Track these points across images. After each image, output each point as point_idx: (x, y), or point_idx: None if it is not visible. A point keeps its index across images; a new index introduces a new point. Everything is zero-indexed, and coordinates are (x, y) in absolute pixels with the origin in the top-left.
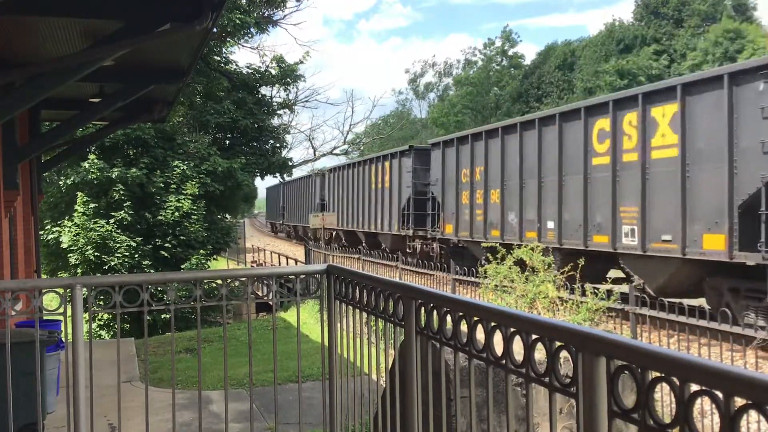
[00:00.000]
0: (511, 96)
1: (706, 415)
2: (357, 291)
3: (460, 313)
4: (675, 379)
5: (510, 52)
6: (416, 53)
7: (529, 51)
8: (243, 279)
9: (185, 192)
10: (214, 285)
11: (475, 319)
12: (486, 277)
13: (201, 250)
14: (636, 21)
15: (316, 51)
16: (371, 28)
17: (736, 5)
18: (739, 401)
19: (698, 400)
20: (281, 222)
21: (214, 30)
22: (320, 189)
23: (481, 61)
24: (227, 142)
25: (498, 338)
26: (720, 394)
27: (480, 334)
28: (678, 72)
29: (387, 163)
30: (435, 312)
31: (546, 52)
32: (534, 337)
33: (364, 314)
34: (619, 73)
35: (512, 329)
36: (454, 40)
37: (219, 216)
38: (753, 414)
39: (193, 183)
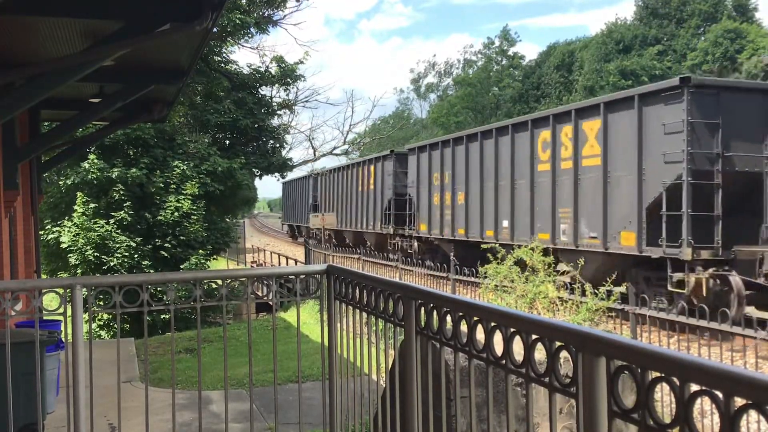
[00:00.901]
0: (511, 96)
1: (706, 415)
2: (357, 291)
3: (460, 313)
4: (675, 379)
5: (510, 52)
6: (417, 53)
7: (530, 51)
8: (243, 279)
9: (185, 192)
10: (214, 285)
11: (475, 319)
12: (486, 277)
13: (201, 250)
14: (637, 21)
15: (316, 51)
16: (372, 28)
17: (737, 5)
18: (739, 401)
19: (698, 400)
20: (311, 225)
21: (214, 30)
22: (393, 178)
23: (481, 61)
24: (227, 142)
25: (498, 338)
26: (720, 394)
27: (480, 334)
28: (678, 72)
29: (592, 123)
30: (435, 312)
31: (548, 52)
32: (534, 337)
33: (364, 314)
34: (622, 73)
35: (512, 329)
36: (455, 41)
37: (218, 217)
38: (753, 414)
39: (193, 183)
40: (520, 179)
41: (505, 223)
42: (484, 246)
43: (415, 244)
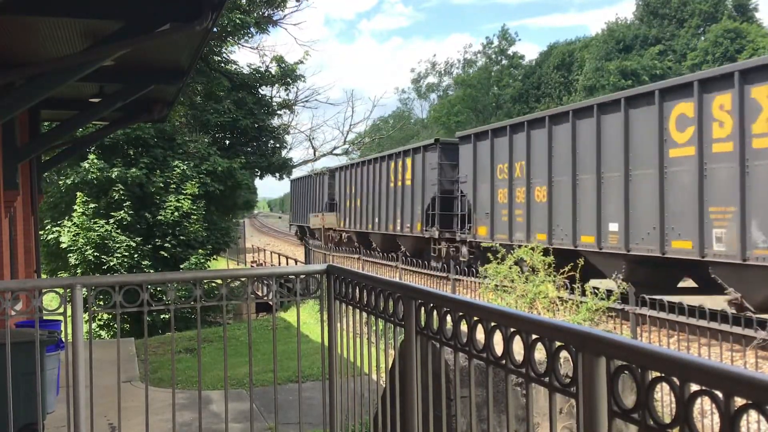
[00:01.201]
0: (511, 96)
1: (706, 415)
2: (357, 291)
3: (460, 313)
4: (675, 379)
5: (509, 52)
6: (417, 53)
7: (530, 51)
8: (243, 279)
9: (185, 192)
10: (214, 285)
11: (475, 319)
12: (486, 277)
13: (200, 250)
14: (638, 20)
15: (316, 51)
16: (373, 28)
17: (737, 5)
18: (739, 401)
19: (698, 400)
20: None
21: (214, 30)
22: (438, 172)
23: (482, 60)
24: (227, 142)
25: (498, 338)
26: (720, 394)
27: (480, 334)
28: (678, 72)
29: None
30: (435, 312)
31: (548, 51)
32: (534, 337)
33: (364, 314)
34: (622, 73)
35: (512, 329)
36: (455, 40)
37: (218, 217)
38: (753, 414)
39: (193, 183)
40: (638, 169)
41: (614, 227)
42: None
43: (465, 250)
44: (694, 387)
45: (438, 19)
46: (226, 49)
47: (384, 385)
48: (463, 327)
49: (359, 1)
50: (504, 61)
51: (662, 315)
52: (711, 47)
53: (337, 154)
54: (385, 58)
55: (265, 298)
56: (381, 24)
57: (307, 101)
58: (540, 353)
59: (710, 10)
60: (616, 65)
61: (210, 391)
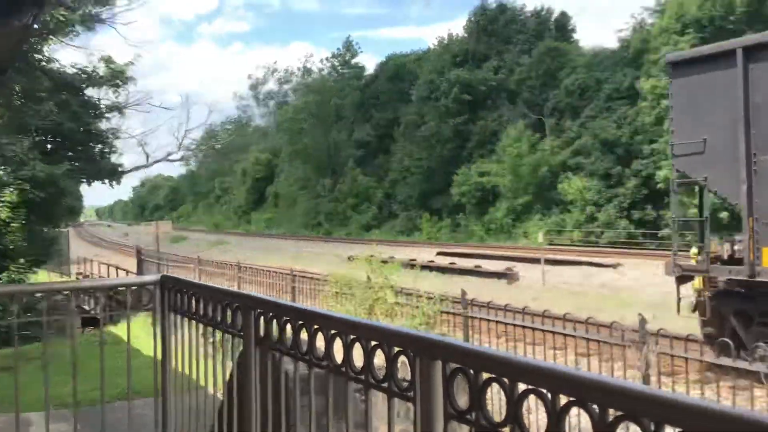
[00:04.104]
0: (352, 106)
1: (533, 412)
2: (193, 301)
3: (300, 322)
4: (506, 380)
5: (352, 62)
6: (259, 59)
7: (371, 62)
8: (66, 293)
9: (3, 199)
10: (35, 299)
11: (315, 327)
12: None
13: (20, 260)
14: (467, 36)
15: (149, 52)
16: (213, 32)
17: (558, 26)
18: (564, 398)
19: (528, 398)
20: None
21: (35, 26)
22: None
23: (326, 68)
24: (49, 146)
25: (338, 345)
26: (547, 392)
27: (320, 342)
28: (506, 86)
29: None
30: (275, 321)
31: (386, 63)
32: (373, 343)
33: (201, 326)
34: (462, 85)
35: (352, 336)
36: (297, 48)
37: (40, 227)
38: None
39: (12, 191)
40: None
41: None
42: None
43: None
44: (524, 386)
45: (280, 26)
46: (48, 47)
47: (222, 399)
48: (304, 335)
49: (199, 3)
50: (347, 71)
51: (491, 317)
52: (536, 64)
53: (171, 161)
54: (227, 62)
55: (93, 312)
56: (222, 28)
57: (138, 104)
58: (380, 358)
59: (537, 29)
60: (456, 76)
61: (30, 413)
